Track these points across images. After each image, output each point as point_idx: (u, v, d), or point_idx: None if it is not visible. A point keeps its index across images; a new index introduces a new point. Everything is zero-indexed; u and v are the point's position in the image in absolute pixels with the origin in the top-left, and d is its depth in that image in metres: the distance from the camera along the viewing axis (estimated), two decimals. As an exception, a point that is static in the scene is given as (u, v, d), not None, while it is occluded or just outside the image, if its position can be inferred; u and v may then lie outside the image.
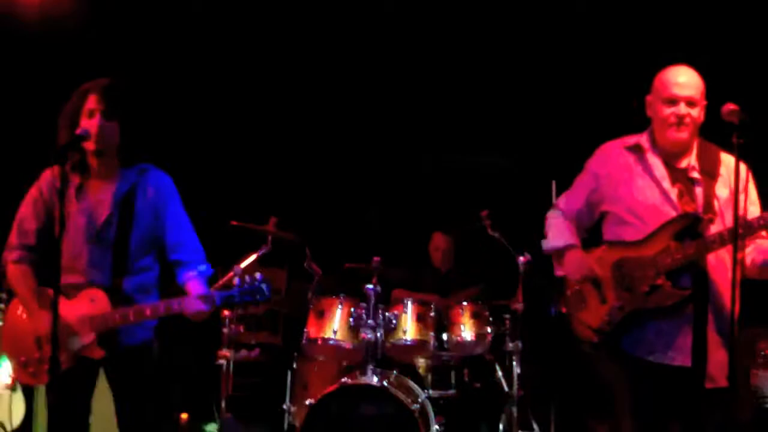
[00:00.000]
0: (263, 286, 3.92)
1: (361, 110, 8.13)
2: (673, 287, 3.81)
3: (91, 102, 3.97)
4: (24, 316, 4.08)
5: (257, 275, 3.97)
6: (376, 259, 5.81)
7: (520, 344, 5.99)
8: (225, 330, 5.78)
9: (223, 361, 5.79)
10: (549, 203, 6.70)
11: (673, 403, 3.92)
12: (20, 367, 4.08)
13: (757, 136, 3.64)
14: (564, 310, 4.19)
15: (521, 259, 5.98)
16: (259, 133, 8.19)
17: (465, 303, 5.97)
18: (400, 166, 8.25)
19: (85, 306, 3.96)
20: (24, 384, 5.63)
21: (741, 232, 3.59)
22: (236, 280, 3.95)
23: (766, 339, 6.14)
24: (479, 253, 7.05)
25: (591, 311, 4.02)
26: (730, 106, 3.68)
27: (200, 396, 7.12)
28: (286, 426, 6.13)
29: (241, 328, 5.91)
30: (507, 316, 6.11)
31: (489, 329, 5.96)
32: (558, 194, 6.76)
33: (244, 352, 7.68)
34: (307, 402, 5.47)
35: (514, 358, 6.00)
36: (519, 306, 6.01)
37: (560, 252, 4.19)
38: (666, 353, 3.84)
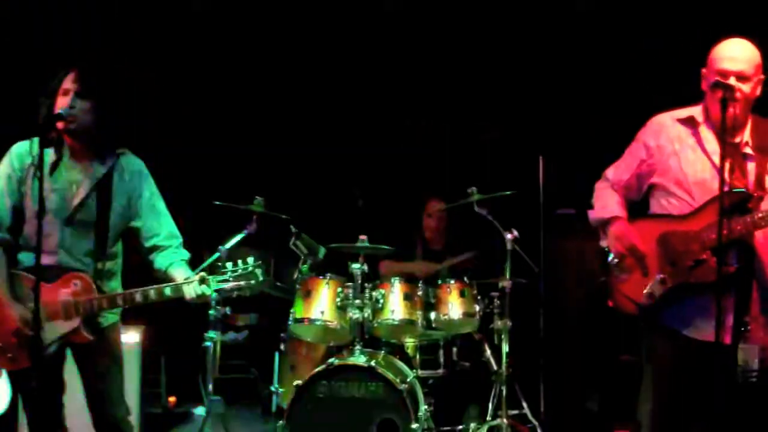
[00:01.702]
0: (257, 270, 3.89)
1: (344, 86, 8.07)
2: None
3: (67, 81, 3.97)
4: None
5: (249, 259, 3.93)
6: (362, 237, 5.76)
7: (508, 322, 5.96)
8: (212, 312, 5.73)
9: (210, 343, 5.73)
10: (536, 179, 6.75)
11: (706, 380, 3.85)
12: None
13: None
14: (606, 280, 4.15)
15: (509, 235, 5.94)
16: (244, 112, 8.13)
17: (452, 281, 5.93)
18: (385, 143, 8.19)
19: (68, 290, 3.92)
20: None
21: None
22: (228, 264, 3.91)
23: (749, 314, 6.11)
24: (467, 229, 7.00)
25: (633, 283, 4.00)
26: None
27: (187, 379, 7.08)
28: (274, 407, 6.10)
29: (228, 310, 5.85)
30: (495, 294, 6.07)
31: (477, 307, 5.93)
32: (546, 170, 6.81)
33: (231, 334, 7.67)
34: (295, 383, 5.42)
35: (502, 336, 5.96)
36: (507, 284, 5.97)
37: (605, 223, 4.14)
38: (706, 329, 3.77)
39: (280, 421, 5.37)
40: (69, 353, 4.15)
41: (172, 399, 7.56)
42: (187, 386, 7.17)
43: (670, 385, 3.95)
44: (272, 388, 6.08)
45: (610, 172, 4.25)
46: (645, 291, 3.93)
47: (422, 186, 7.45)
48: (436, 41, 7.71)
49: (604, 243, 4.15)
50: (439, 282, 5.98)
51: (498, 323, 5.99)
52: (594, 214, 4.24)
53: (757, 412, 3.99)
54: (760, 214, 3.69)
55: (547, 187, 6.91)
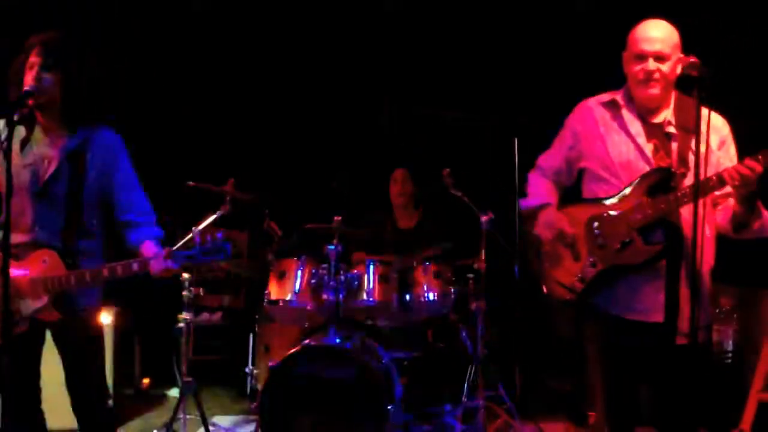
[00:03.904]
0: (225, 245, 3.87)
1: (319, 68, 8.04)
2: (645, 243, 3.79)
3: (33, 56, 3.91)
4: None
5: (218, 234, 3.91)
6: (336, 218, 5.73)
7: (484, 304, 5.96)
8: (185, 293, 5.69)
9: (183, 325, 5.70)
10: (512, 161, 6.73)
11: (646, 361, 3.91)
12: None
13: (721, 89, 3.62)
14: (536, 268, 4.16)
15: (484, 217, 5.93)
16: (218, 93, 8.09)
17: (428, 263, 5.93)
18: (360, 125, 8.17)
19: (38, 267, 3.87)
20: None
21: (711, 185, 3.62)
22: (197, 239, 3.89)
23: (726, 295, 6.17)
24: (442, 212, 6.98)
25: (564, 269, 4.00)
26: (690, 59, 3.67)
27: (161, 360, 7.06)
28: (248, 389, 6.09)
29: (202, 291, 5.82)
30: (470, 275, 6.07)
31: (452, 289, 5.92)
32: (520, 152, 6.80)
33: (205, 316, 7.63)
34: (270, 364, 5.41)
35: (477, 318, 5.96)
36: (482, 265, 5.97)
37: (535, 211, 4.15)
38: (639, 310, 3.82)
39: (255, 403, 5.36)
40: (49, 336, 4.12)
41: (145, 380, 7.53)
42: (161, 368, 7.15)
43: (608, 366, 3.96)
44: (247, 370, 6.07)
45: (542, 160, 4.27)
46: (575, 275, 3.94)
47: (395, 167, 7.41)
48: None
49: (535, 231, 4.15)
50: (415, 264, 5.97)
51: (473, 305, 5.99)
52: (524, 203, 4.25)
53: (694, 390, 4.00)
54: (681, 192, 3.71)
55: (522, 169, 6.89)
